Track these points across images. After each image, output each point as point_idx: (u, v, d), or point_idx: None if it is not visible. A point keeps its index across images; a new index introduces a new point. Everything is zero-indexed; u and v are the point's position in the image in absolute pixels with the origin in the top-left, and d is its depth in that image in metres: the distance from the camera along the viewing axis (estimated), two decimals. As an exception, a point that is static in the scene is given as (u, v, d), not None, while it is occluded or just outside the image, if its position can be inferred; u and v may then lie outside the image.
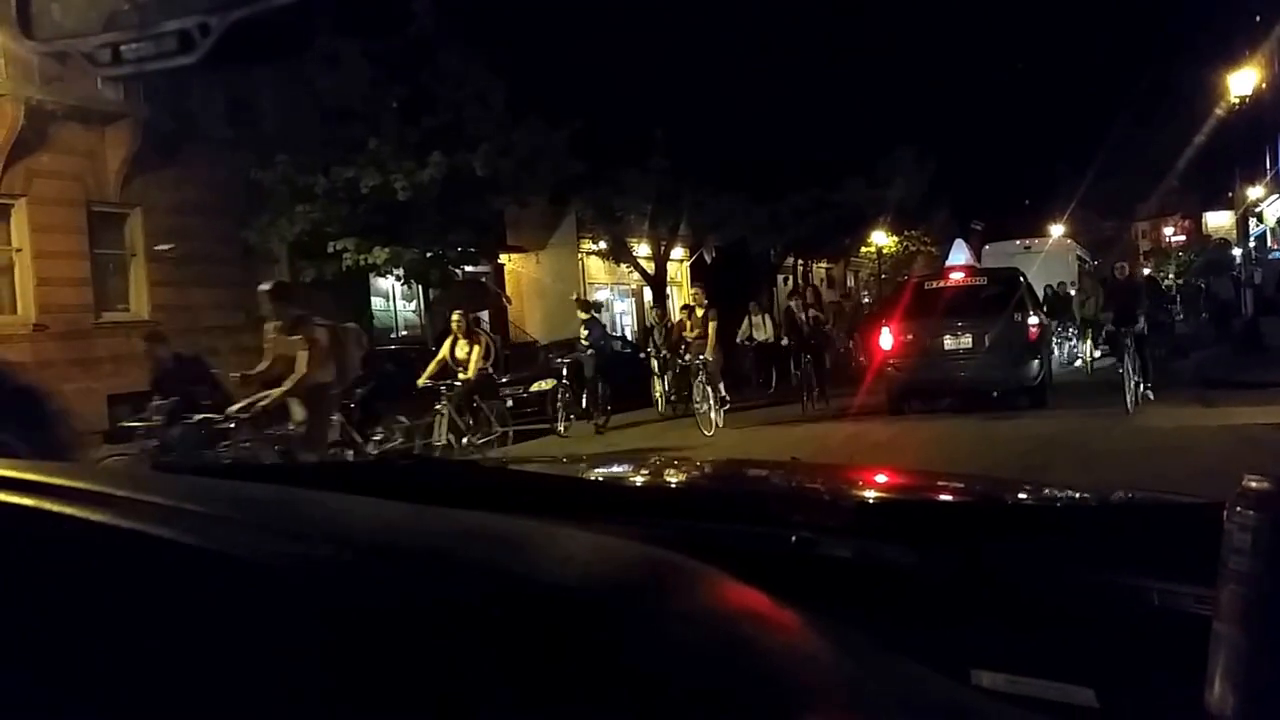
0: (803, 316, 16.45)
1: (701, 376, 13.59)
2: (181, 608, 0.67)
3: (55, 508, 0.77)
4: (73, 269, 15.41)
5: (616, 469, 2.47)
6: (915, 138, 31.40)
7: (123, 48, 0.96)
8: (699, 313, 14.01)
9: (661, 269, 26.05)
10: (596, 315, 16.44)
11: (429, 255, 18.24)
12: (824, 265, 40.26)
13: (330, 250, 17.31)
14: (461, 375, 11.39)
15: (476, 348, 11.57)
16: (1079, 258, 27.38)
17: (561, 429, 14.54)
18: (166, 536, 0.71)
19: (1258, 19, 28.01)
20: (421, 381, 11.53)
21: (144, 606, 0.68)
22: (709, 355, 13.58)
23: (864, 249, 37.97)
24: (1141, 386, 12.60)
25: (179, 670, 0.64)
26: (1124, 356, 12.63)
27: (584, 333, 15.57)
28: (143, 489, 0.82)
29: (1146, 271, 24.19)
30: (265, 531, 0.73)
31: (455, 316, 12.01)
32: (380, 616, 0.61)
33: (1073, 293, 21.44)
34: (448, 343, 11.82)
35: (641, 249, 26.19)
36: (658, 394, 16.72)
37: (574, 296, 19.40)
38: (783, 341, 17.42)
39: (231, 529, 0.73)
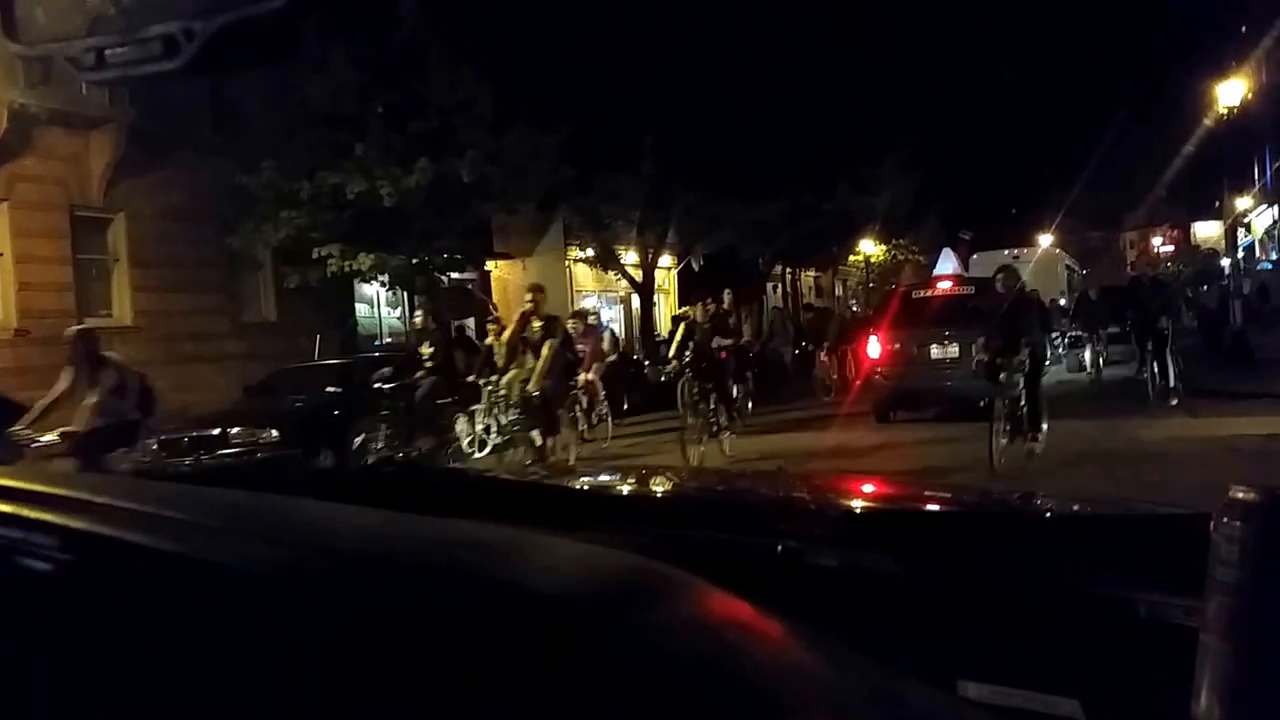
0: (707, 329, 11.95)
1: (511, 415, 10.07)
2: (169, 614, 0.66)
3: (39, 515, 0.76)
4: (55, 274, 15.31)
5: (603, 478, 2.46)
6: (903, 147, 31.56)
7: (107, 52, 0.95)
8: (535, 324, 9.86)
9: (649, 276, 26.07)
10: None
11: (415, 262, 18.17)
12: (812, 273, 40.42)
13: (315, 256, 17.26)
14: (69, 426, 7.52)
15: (96, 388, 7.63)
16: (1068, 267, 27.60)
17: None
18: (152, 544, 0.71)
19: (1244, 29, 28.22)
20: (19, 428, 7.46)
21: (131, 613, 0.68)
22: (534, 386, 9.72)
23: (852, 257, 38.14)
24: (1025, 442, 9.38)
25: (168, 676, 0.64)
26: (996, 401, 9.36)
27: (427, 349, 11.43)
28: (127, 496, 0.81)
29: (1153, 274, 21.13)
30: (252, 539, 0.72)
31: (68, 333, 8.16)
32: (366, 624, 0.60)
33: (1061, 302, 21.62)
34: (66, 374, 7.77)
35: (629, 256, 26.20)
36: (465, 428, 12.24)
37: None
38: (663, 371, 12.06)
39: (218, 536, 0.73)
